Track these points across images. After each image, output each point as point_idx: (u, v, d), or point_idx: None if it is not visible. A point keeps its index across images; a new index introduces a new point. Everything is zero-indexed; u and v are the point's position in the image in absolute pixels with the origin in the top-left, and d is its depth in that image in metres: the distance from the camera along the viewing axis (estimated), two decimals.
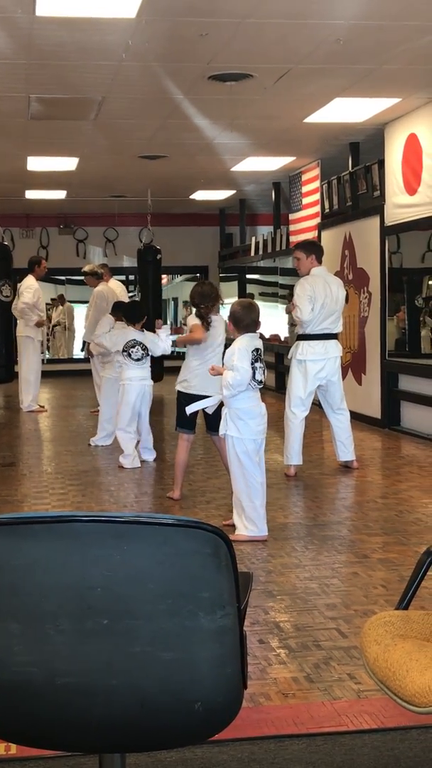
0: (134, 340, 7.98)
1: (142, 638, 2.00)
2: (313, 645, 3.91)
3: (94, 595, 1.99)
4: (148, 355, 8.04)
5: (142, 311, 8.35)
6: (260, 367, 5.51)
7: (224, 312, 7.19)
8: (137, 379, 8.00)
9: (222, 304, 6.99)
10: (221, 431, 5.64)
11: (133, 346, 7.96)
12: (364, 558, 5.18)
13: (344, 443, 7.74)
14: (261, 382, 5.54)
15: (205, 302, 6.53)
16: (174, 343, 8.10)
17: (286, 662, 3.73)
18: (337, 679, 3.54)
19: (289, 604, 4.43)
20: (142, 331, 8.11)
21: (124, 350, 7.97)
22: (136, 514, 2.03)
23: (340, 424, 7.71)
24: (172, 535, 2.00)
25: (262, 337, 5.87)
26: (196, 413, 6.58)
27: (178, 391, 6.60)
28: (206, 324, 6.51)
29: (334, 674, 3.59)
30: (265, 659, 3.76)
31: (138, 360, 7.97)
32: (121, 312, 8.55)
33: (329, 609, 4.35)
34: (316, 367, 7.56)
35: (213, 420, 6.33)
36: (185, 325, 6.73)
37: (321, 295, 7.49)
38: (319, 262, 7.70)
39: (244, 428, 5.53)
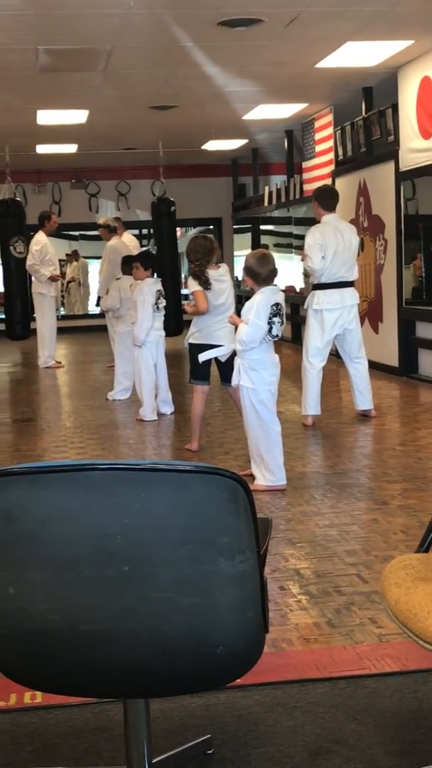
0: (159, 290, 7.95)
1: (162, 584, 2.01)
2: (334, 591, 3.92)
3: (114, 542, 1.99)
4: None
5: (154, 258, 8.32)
6: (278, 322, 5.44)
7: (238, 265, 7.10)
8: (155, 329, 7.98)
9: (220, 256, 6.75)
10: (234, 381, 5.63)
11: (159, 297, 7.94)
12: (384, 505, 5.18)
13: (362, 392, 7.71)
14: (276, 335, 5.48)
15: (199, 257, 6.36)
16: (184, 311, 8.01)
17: (307, 608, 3.75)
18: (358, 624, 3.56)
19: (309, 552, 4.45)
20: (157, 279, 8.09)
21: (155, 301, 7.93)
22: (154, 461, 2.04)
23: (358, 373, 7.68)
24: (190, 481, 2.00)
25: None
26: (209, 364, 6.56)
27: (190, 344, 6.56)
28: (205, 283, 6.36)
29: (356, 619, 3.61)
30: (287, 605, 3.78)
31: (160, 311, 7.97)
32: (139, 260, 8.38)
33: (349, 555, 4.36)
34: (332, 317, 7.52)
35: (227, 371, 6.30)
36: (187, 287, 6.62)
37: (332, 242, 7.41)
38: (328, 208, 7.59)
39: (257, 378, 5.51)
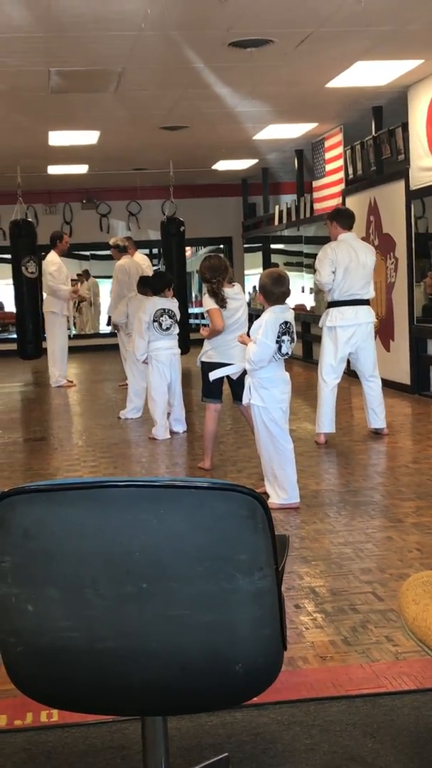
0: (162, 308, 7.94)
1: (181, 601, 2.01)
2: (349, 609, 3.91)
3: (132, 559, 1.99)
4: (176, 322, 8.02)
5: (168, 278, 8.30)
6: (288, 340, 5.44)
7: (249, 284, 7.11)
8: (164, 348, 7.98)
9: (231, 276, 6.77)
10: (244, 400, 5.64)
11: (162, 315, 7.93)
12: (398, 522, 5.17)
13: (375, 411, 7.70)
14: (286, 353, 5.48)
15: (216, 276, 6.41)
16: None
17: (323, 626, 3.74)
18: (374, 642, 3.54)
19: (323, 569, 4.44)
20: (173, 299, 8.08)
21: (154, 320, 7.93)
22: (172, 478, 2.04)
23: (372, 391, 7.67)
24: (207, 498, 2.00)
25: None
26: (221, 383, 6.57)
27: (202, 362, 6.58)
28: (221, 300, 6.40)
29: (372, 637, 3.59)
30: (302, 623, 3.77)
31: (167, 329, 7.95)
32: (148, 286, 8.50)
33: (364, 573, 4.35)
34: (346, 334, 7.52)
35: (238, 389, 6.31)
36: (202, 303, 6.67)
37: (344, 259, 7.43)
38: (345, 227, 7.64)
39: (267, 397, 5.51)
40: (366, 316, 7.55)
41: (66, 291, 12.02)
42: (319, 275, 7.52)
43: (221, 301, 6.39)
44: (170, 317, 7.93)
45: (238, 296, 6.52)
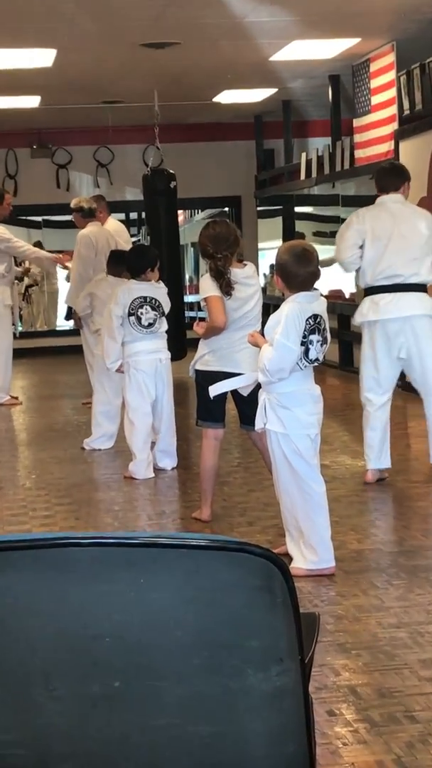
0: (143, 297, 7.94)
1: (168, 706, 2.02)
2: (404, 717, 3.91)
3: (100, 646, 2.00)
4: (163, 315, 8.02)
5: (151, 254, 8.30)
6: (318, 341, 5.41)
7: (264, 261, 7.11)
8: (146, 352, 7.97)
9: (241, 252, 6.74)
10: (258, 424, 5.61)
11: (142, 306, 7.90)
12: None
13: None
14: (316, 360, 5.47)
15: (222, 249, 6.37)
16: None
17: (367, 741, 3.74)
18: None
19: (368, 661, 4.43)
20: (158, 283, 8.04)
21: (130, 313, 7.92)
22: (156, 533, 2.05)
23: None
24: (206, 561, 2.01)
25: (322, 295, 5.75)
26: (224, 400, 6.57)
27: (197, 371, 6.58)
28: (226, 285, 6.37)
29: None
30: (338, 737, 3.77)
31: (149, 326, 7.93)
32: (124, 265, 8.47)
33: (425, 667, 4.35)
34: (386, 332, 7.45)
35: (248, 409, 6.31)
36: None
37: (381, 228, 7.38)
38: (385, 189, 7.50)
39: (290, 420, 5.48)
40: (413, 307, 7.41)
41: (42, 257, 12.13)
42: (337, 251, 7.53)
43: (226, 286, 6.38)
44: (153, 309, 7.91)
45: (250, 281, 6.51)
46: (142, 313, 7.87)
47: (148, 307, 7.89)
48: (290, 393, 5.48)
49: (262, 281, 14.05)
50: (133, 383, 8.03)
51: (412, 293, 7.44)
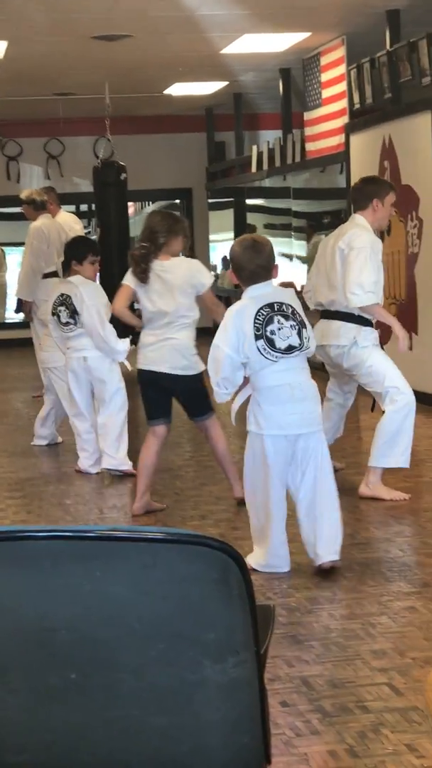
0: (61, 295, 7.85)
1: (126, 698, 2.03)
2: (356, 707, 3.93)
3: (56, 639, 2.01)
4: (75, 314, 7.74)
5: (90, 244, 8.26)
6: (282, 328, 5.22)
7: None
8: (71, 350, 7.88)
9: (187, 239, 6.67)
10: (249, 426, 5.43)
11: (61, 304, 7.79)
12: (424, 587, 5.20)
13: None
14: (290, 348, 5.24)
15: (144, 239, 6.42)
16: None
17: (319, 731, 3.76)
18: (391, 752, 3.57)
19: (321, 653, 4.45)
20: (85, 281, 7.83)
21: (53, 312, 7.88)
22: (113, 527, 2.05)
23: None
24: (163, 554, 2.02)
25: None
26: (162, 398, 6.52)
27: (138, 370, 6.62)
28: (141, 273, 6.37)
29: (387, 745, 3.62)
30: (291, 727, 3.78)
31: (65, 325, 7.82)
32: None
33: (377, 657, 4.37)
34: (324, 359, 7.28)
35: (188, 400, 6.34)
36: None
37: (319, 253, 7.27)
38: (356, 207, 7.21)
39: (264, 419, 5.30)
40: (331, 337, 7.00)
41: None
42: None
43: (141, 274, 6.37)
44: (67, 308, 7.76)
45: (166, 275, 6.41)
46: (61, 312, 7.79)
47: (63, 307, 7.79)
48: (267, 388, 5.28)
49: (212, 274, 14.01)
50: (70, 382, 7.97)
51: (333, 322, 6.99)
